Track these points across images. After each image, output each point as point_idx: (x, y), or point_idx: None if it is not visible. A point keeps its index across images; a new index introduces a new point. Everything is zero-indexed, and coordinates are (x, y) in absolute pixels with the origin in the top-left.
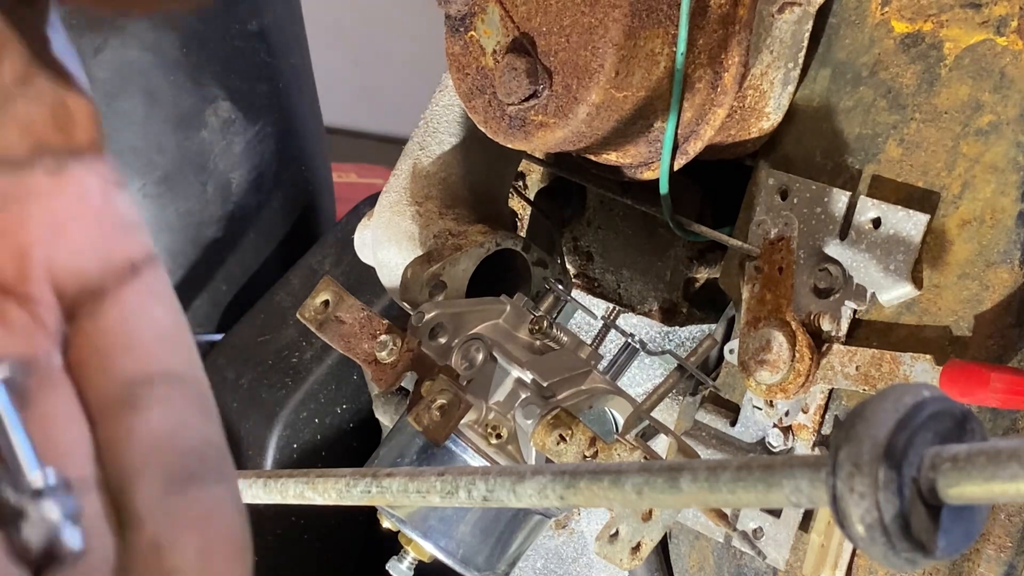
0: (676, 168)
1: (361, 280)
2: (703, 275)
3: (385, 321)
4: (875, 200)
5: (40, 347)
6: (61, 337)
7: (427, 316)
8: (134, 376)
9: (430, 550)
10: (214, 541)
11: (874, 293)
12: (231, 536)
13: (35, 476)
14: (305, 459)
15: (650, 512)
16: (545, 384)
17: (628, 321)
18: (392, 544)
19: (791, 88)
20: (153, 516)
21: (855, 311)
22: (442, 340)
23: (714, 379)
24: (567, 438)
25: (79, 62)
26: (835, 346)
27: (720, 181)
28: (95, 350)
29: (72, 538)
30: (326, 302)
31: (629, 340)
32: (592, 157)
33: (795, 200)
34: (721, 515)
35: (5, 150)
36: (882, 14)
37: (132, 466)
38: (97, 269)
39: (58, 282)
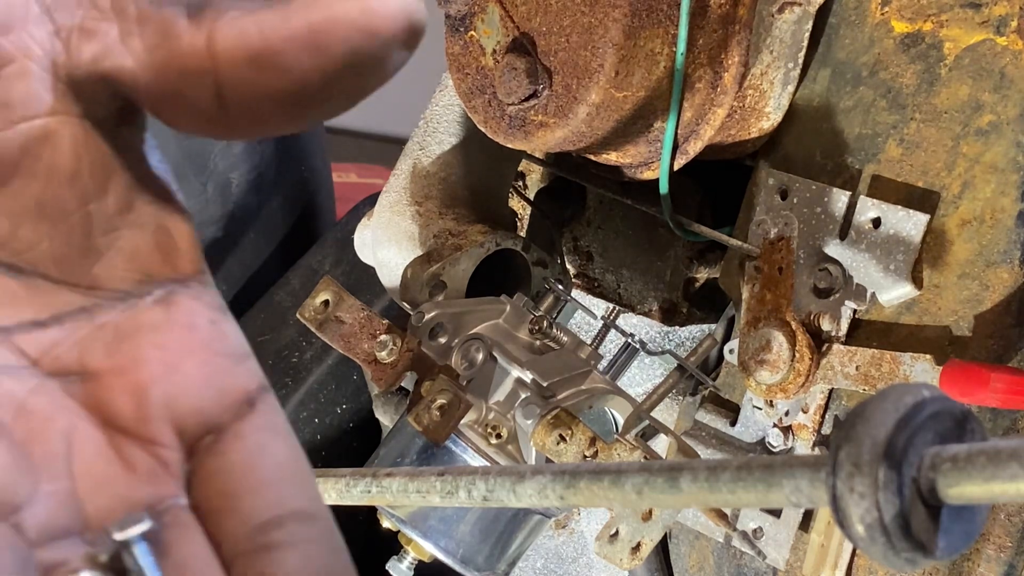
0: (676, 168)
1: (361, 280)
2: (703, 275)
3: (385, 321)
4: (875, 200)
5: (167, 491)
6: (184, 477)
7: (427, 316)
8: (265, 519)
9: (430, 550)
10: None
11: (874, 293)
12: None
13: None
14: None
15: (650, 512)
16: (545, 384)
17: (628, 321)
18: (392, 544)
19: (791, 88)
20: None
21: (855, 311)
22: (442, 340)
23: (714, 379)
24: (567, 438)
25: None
26: (835, 346)
27: (720, 181)
28: (222, 492)
29: None
30: (326, 302)
31: (629, 340)
32: (592, 157)
33: (795, 200)
34: (721, 515)
35: (114, 283)
36: (882, 14)
37: None
38: (214, 405)
39: (177, 420)
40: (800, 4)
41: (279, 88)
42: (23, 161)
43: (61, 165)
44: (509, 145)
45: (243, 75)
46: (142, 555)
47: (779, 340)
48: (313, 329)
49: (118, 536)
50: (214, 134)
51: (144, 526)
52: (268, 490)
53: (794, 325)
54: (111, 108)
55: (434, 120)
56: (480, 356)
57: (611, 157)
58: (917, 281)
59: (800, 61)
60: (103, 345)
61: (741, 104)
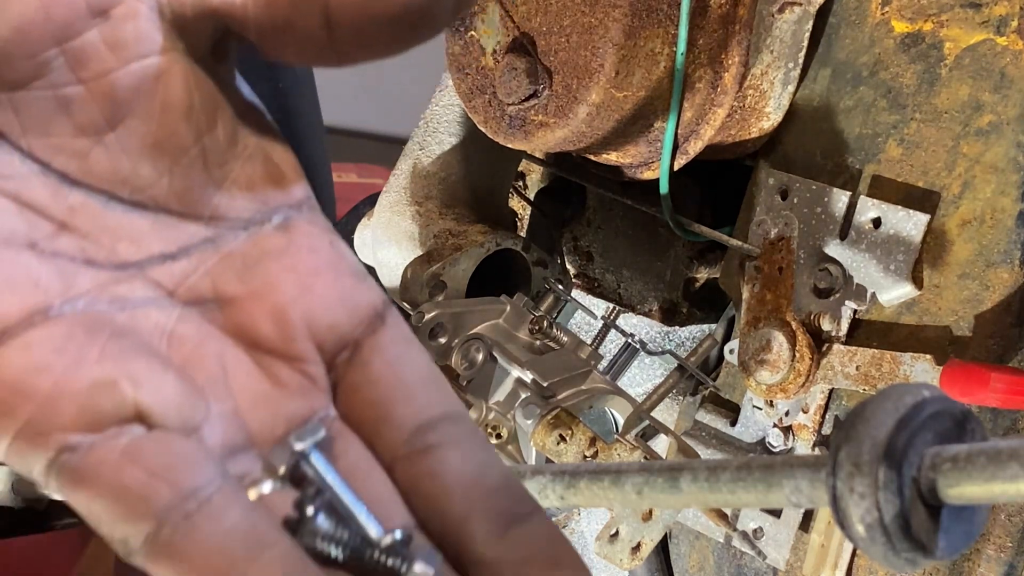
0: (676, 168)
1: None
2: (703, 275)
3: None
4: (875, 200)
5: (319, 404)
6: (331, 391)
7: (427, 316)
8: (418, 423)
9: None
10: (578, 572)
11: (874, 293)
12: (582, 566)
13: (386, 537)
14: None
15: (650, 512)
16: (545, 384)
17: (628, 321)
18: None
19: (791, 88)
20: (506, 556)
21: (855, 311)
22: (442, 340)
23: (714, 379)
24: (567, 438)
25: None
26: (835, 346)
27: (720, 181)
28: (371, 402)
29: None
30: None
31: (629, 340)
32: (592, 157)
33: (795, 200)
34: (721, 515)
35: (234, 212)
36: (882, 14)
37: (457, 511)
38: (348, 321)
39: (316, 338)
40: (800, 4)
41: (386, 11)
42: (137, 100)
43: (175, 101)
44: (509, 145)
45: (352, 1)
46: (320, 463)
47: (779, 340)
48: None
49: (298, 447)
50: (323, 62)
51: (320, 435)
52: (416, 396)
53: (794, 325)
54: (210, 44)
55: (434, 120)
56: (480, 356)
57: (611, 157)
58: (917, 281)
59: (800, 61)
60: (234, 272)
61: (741, 104)
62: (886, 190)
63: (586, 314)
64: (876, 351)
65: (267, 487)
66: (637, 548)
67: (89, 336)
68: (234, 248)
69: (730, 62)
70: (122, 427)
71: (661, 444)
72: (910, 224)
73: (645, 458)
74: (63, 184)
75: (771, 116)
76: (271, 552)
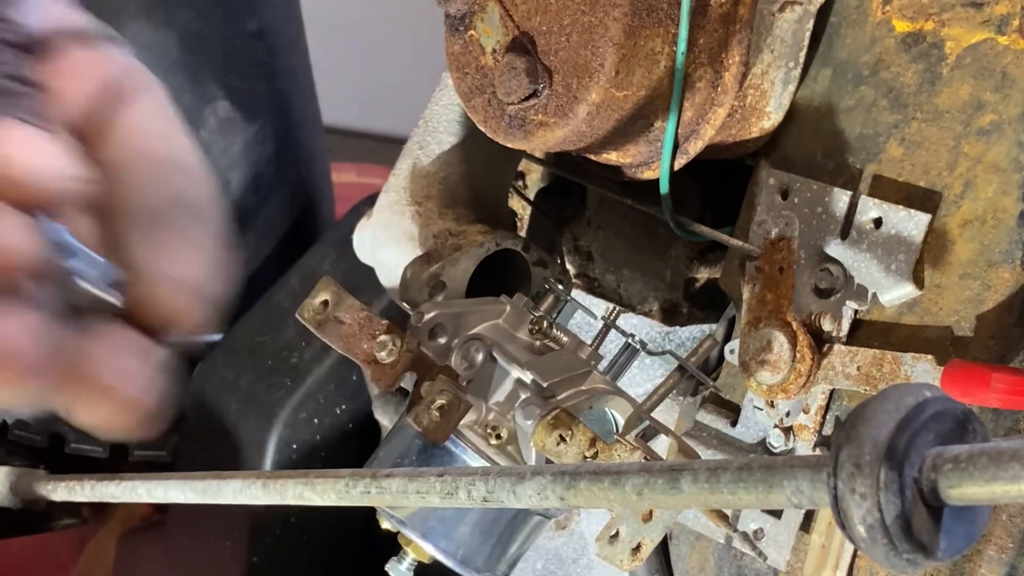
0: (677, 168)
1: (361, 280)
2: (703, 275)
3: (385, 321)
4: (876, 200)
5: None
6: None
7: (427, 316)
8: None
9: (430, 551)
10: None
11: (875, 293)
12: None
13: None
14: (304, 460)
15: (650, 513)
16: (545, 384)
17: (628, 321)
18: (392, 545)
19: (792, 87)
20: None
21: (856, 311)
22: (442, 340)
23: (714, 379)
24: (567, 439)
25: None
26: (836, 346)
27: (720, 181)
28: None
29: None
30: (325, 302)
31: (629, 340)
32: (592, 157)
33: (796, 200)
34: (722, 516)
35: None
36: (883, 13)
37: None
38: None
39: None
40: (801, 3)
41: None
42: None
43: None
44: (509, 145)
45: None
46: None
47: (780, 340)
48: (312, 329)
49: None
50: None
51: None
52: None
53: (795, 325)
54: None
55: (434, 120)
56: (480, 356)
57: (611, 157)
58: (918, 281)
59: (801, 60)
60: None
61: (742, 103)
62: (887, 190)
63: (586, 314)
64: (877, 351)
65: None
66: (637, 549)
67: None
68: None
69: (731, 61)
70: None
71: (661, 445)
72: (911, 224)
73: (645, 459)
74: None
75: (772, 116)
76: None
